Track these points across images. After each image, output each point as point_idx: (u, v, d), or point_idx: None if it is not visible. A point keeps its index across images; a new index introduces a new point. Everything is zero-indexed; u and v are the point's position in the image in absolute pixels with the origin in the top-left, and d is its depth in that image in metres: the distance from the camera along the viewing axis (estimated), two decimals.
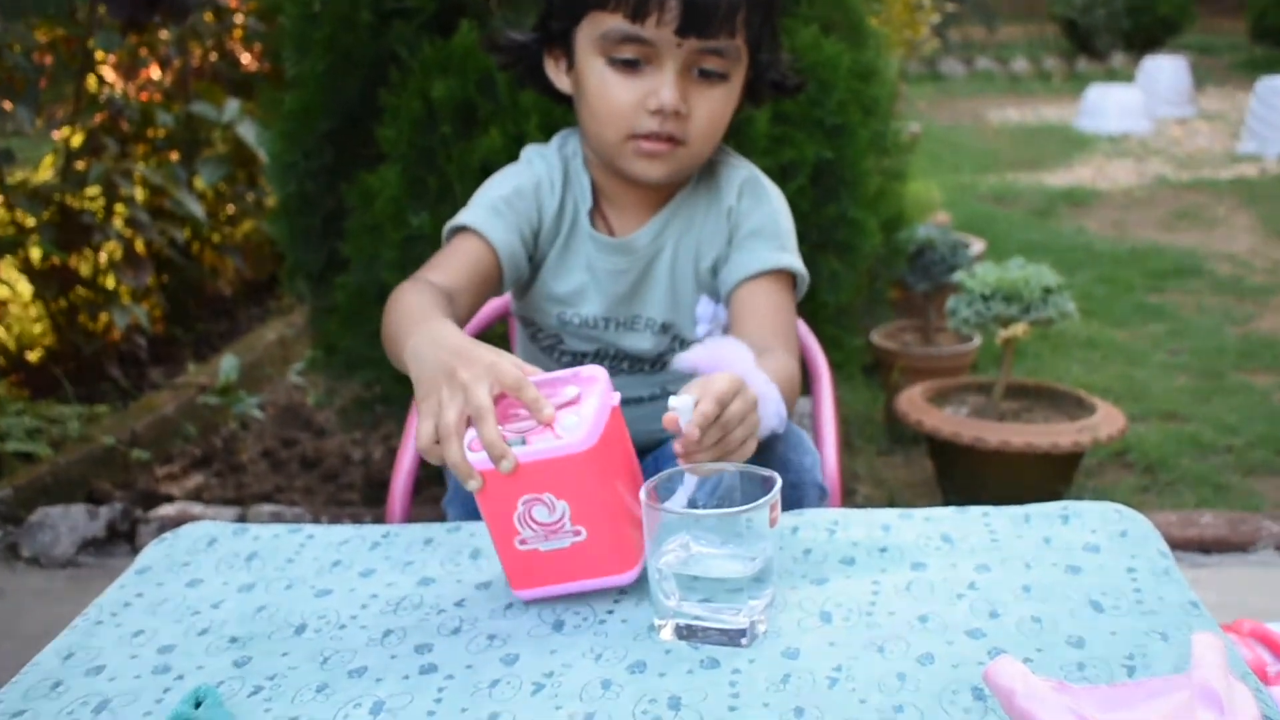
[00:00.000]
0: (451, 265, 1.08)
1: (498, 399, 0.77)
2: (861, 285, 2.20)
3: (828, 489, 1.11)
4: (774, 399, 0.89)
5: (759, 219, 1.16)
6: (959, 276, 2.45)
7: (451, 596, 0.83)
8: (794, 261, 1.14)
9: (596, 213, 1.18)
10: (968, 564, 0.84)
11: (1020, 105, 8.64)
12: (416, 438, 0.77)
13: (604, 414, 0.77)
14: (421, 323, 0.88)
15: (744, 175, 1.18)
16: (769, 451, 1.02)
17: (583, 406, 0.76)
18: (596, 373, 0.81)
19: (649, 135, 1.07)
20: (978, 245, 3.46)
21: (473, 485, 0.75)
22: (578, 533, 0.76)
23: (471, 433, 0.76)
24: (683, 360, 0.90)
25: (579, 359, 1.21)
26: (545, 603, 0.81)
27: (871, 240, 2.02)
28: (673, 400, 0.78)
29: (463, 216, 1.12)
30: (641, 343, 1.19)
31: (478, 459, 0.74)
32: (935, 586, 0.80)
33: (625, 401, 1.18)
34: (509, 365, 0.79)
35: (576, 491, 0.75)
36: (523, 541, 0.76)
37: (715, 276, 1.17)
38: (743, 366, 0.88)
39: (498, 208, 1.13)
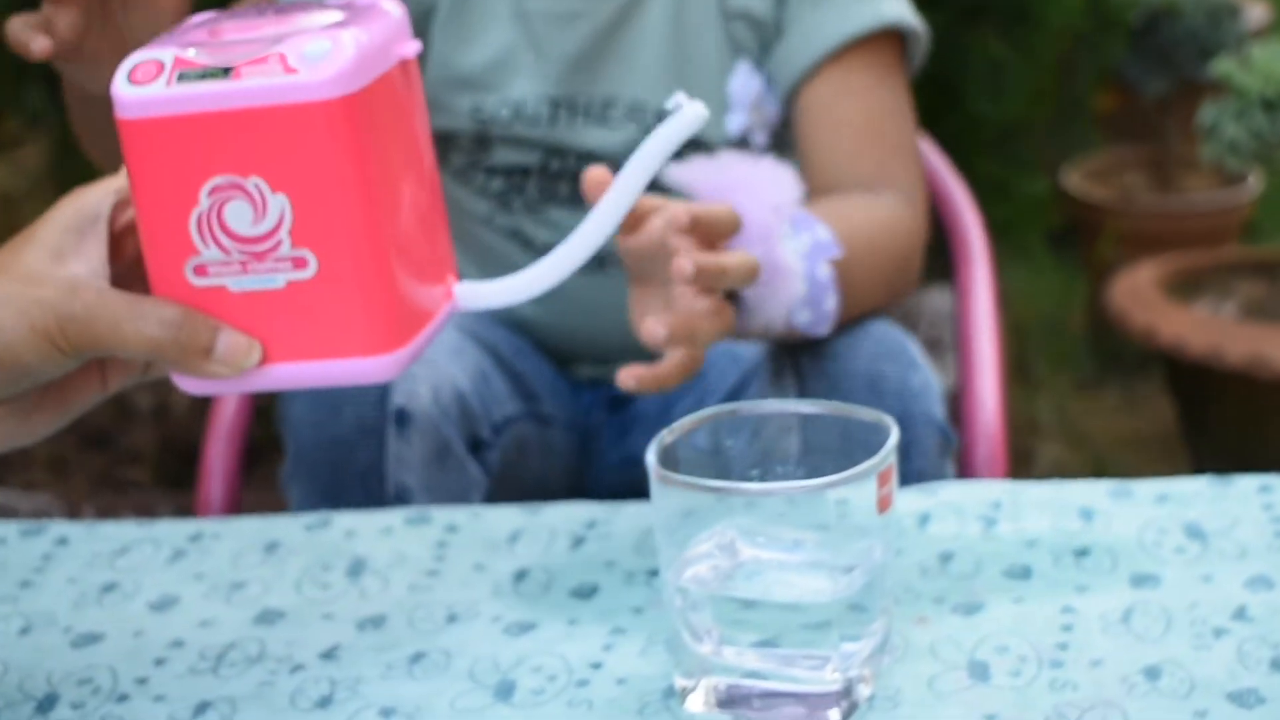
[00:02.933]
0: None
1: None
2: (1046, 87, 2.22)
3: (954, 435, 1.15)
4: (797, 274, 0.98)
5: None
6: (1222, 68, 2.43)
7: (316, 643, 0.87)
8: (898, 11, 1.18)
9: None
10: (1234, 577, 0.88)
11: None
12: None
13: (380, 54, 0.77)
14: None
15: None
16: (835, 359, 1.06)
17: (344, 32, 0.76)
18: (387, 3, 0.83)
19: None
20: (1257, 11, 3.42)
21: (38, 47, 0.86)
22: (300, 262, 0.74)
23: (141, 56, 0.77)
24: (676, 174, 0.97)
25: (515, 180, 1.26)
26: (481, 653, 0.84)
27: (1063, 4, 2.00)
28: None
29: None
30: (617, 141, 1.21)
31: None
32: (1175, 617, 0.84)
33: (597, 262, 1.28)
34: None
35: (308, 178, 0.73)
36: (200, 270, 0.75)
37: (764, 50, 1.20)
38: (764, 218, 0.94)
39: None
